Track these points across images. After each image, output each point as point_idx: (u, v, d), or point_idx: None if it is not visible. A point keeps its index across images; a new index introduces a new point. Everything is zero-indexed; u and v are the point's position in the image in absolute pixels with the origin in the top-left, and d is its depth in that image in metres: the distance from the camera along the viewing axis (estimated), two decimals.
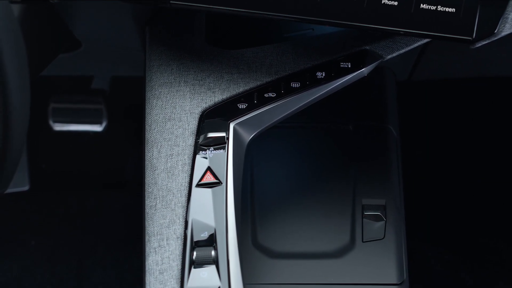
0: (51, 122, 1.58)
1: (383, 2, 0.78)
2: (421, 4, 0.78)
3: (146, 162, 0.85)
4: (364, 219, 0.96)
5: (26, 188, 1.56)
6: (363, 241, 0.94)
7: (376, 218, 0.96)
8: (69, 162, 1.61)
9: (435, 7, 0.78)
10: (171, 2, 0.80)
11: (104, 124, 1.60)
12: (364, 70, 0.89)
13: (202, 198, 0.80)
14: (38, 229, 1.51)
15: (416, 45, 0.92)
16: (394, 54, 0.92)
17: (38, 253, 1.47)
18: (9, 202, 1.55)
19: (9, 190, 1.60)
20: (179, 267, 0.77)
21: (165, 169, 0.83)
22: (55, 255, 1.46)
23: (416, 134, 1.53)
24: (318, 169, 1.02)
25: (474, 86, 1.50)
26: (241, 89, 0.88)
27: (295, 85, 0.88)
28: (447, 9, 0.78)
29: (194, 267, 0.76)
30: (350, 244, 0.95)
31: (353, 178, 1.00)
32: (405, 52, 1.19)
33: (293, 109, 0.88)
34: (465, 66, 1.27)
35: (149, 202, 0.82)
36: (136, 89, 1.48)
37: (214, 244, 0.77)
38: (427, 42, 1.17)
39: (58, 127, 1.58)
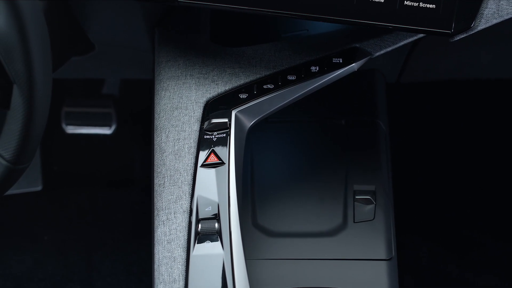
0: (64, 125, 1.62)
1: None
2: (405, 1, 0.83)
3: (155, 146, 0.90)
4: (355, 203, 1.00)
5: (39, 188, 1.61)
6: (354, 222, 0.99)
7: (367, 202, 1.00)
8: (80, 162, 1.65)
9: (417, 3, 0.83)
10: (179, 0, 0.86)
11: (113, 127, 1.64)
12: (354, 65, 0.94)
13: (207, 176, 0.84)
14: (50, 225, 1.55)
15: (402, 43, 0.97)
16: (382, 52, 0.96)
17: (50, 247, 1.51)
18: (23, 201, 1.59)
19: (23, 190, 1.64)
20: (186, 237, 0.81)
21: (172, 152, 0.88)
22: (66, 249, 1.50)
23: (404, 130, 1.58)
24: (313, 159, 1.06)
25: (455, 87, 1.56)
26: (242, 82, 0.93)
27: (291, 77, 0.92)
28: (428, 6, 0.83)
29: (199, 238, 0.81)
30: (342, 224, 0.98)
31: (346, 167, 1.04)
32: (393, 57, 1.25)
33: (289, 99, 0.93)
34: (447, 69, 1.32)
35: (157, 181, 0.86)
36: (144, 92, 1.53)
37: (217, 217, 0.82)
38: (413, 47, 1.22)
39: (70, 130, 1.63)
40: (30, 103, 0.73)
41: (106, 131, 1.63)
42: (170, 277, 0.79)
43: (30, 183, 1.59)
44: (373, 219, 0.98)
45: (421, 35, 0.94)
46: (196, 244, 0.80)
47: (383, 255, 0.95)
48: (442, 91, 1.56)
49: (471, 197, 1.55)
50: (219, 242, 0.80)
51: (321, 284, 0.92)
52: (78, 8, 1.00)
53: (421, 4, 0.83)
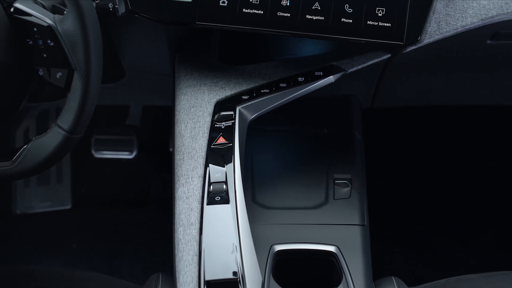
0: (93, 150, 1.81)
1: (342, 20, 1.05)
2: (368, 21, 1.04)
3: (176, 134, 1.08)
4: (335, 186, 1.15)
5: (68, 207, 1.77)
6: (334, 199, 1.15)
7: (344, 185, 1.15)
8: (104, 185, 1.80)
9: (377, 23, 1.04)
10: (197, 23, 1.07)
11: (134, 153, 1.81)
12: (332, 78, 1.12)
13: (217, 152, 1.02)
14: (78, 237, 1.68)
15: (369, 63, 1.15)
16: (354, 69, 1.14)
17: (78, 253, 1.63)
18: (55, 218, 1.74)
19: (55, 208, 1.80)
20: (200, 194, 0.98)
21: (190, 136, 1.06)
22: (91, 254, 1.62)
23: (378, 144, 1.75)
24: (302, 157, 1.21)
25: (416, 111, 1.76)
26: (244, 88, 1.11)
27: (282, 85, 1.11)
28: (385, 24, 1.03)
29: (211, 195, 0.98)
30: (324, 201, 1.13)
31: (327, 162, 1.19)
32: (366, 86, 1.44)
33: (281, 101, 1.10)
34: (410, 97, 1.53)
35: (178, 157, 1.04)
36: (163, 121, 1.71)
37: (225, 181, 0.99)
38: (381, 77, 1.43)
39: (98, 154, 1.81)
40: (86, 85, 0.92)
41: (128, 156, 1.82)
42: (188, 222, 0.96)
43: (61, 203, 1.76)
44: (349, 197, 1.15)
45: (385, 57, 1.14)
46: (208, 198, 0.98)
47: (357, 222, 1.10)
48: (405, 113, 1.75)
49: (444, 205, 1.69)
50: (226, 198, 0.97)
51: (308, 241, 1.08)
52: (116, 34, 1.21)
53: (380, 23, 1.04)
